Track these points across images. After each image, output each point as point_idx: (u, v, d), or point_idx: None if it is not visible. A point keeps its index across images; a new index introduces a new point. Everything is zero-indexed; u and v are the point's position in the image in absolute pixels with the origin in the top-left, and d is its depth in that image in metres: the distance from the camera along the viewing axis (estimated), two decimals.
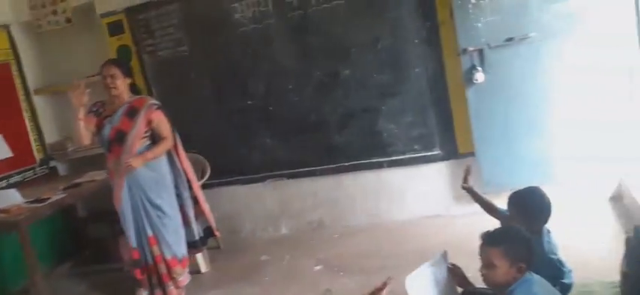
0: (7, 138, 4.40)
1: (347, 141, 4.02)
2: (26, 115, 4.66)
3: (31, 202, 3.74)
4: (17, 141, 4.51)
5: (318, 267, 3.66)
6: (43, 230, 4.20)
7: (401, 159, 3.94)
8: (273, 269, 3.80)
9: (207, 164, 4.12)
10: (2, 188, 4.20)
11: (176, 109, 4.26)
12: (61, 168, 4.81)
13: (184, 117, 4.28)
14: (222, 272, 3.92)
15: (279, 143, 4.19)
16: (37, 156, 4.69)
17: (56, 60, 4.70)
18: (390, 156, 3.96)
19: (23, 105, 4.65)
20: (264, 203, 4.39)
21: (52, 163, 4.77)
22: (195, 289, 3.72)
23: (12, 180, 4.39)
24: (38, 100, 4.74)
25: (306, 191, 4.26)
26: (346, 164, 4.07)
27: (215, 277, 3.88)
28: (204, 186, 4.09)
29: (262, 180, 4.33)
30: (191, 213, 3.62)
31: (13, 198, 3.76)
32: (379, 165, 4.00)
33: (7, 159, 4.38)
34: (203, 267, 3.95)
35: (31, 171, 4.59)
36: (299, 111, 4.06)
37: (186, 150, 4.04)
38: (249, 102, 4.15)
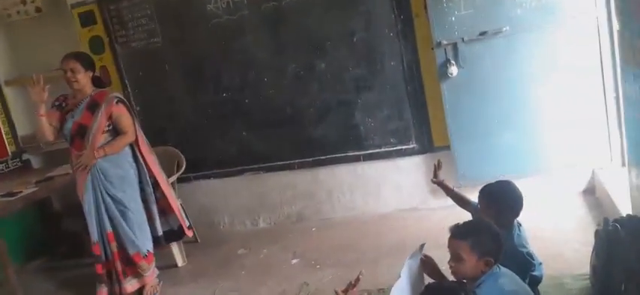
0: None
1: (323, 135, 4.01)
2: None
3: (2, 196, 3.68)
4: None
5: (295, 260, 3.66)
6: (16, 224, 4.13)
7: (377, 153, 3.94)
8: (250, 263, 3.79)
9: (183, 157, 4.06)
10: None
11: (150, 102, 4.25)
12: (35, 161, 4.72)
13: (159, 109, 4.26)
14: (199, 266, 3.89)
15: (255, 136, 4.16)
16: (9, 148, 4.59)
17: (27, 51, 4.59)
18: (367, 150, 3.95)
19: None
20: (242, 196, 4.36)
21: (25, 156, 4.67)
22: (172, 283, 3.70)
23: None
24: (9, 92, 4.65)
25: (284, 184, 4.24)
26: (323, 157, 4.06)
27: (192, 271, 3.86)
28: (180, 180, 4.06)
29: (239, 173, 4.30)
30: (154, 208, 3.56)
31: None
32: (356, 159, 4.00)
33: None
34: (179, 261, 3.92)
35: (3, 164, 4.49)
36: (275, 104, 4.03)
37: (161, 143, 4.01)
38: (224, 94, 4.11)
